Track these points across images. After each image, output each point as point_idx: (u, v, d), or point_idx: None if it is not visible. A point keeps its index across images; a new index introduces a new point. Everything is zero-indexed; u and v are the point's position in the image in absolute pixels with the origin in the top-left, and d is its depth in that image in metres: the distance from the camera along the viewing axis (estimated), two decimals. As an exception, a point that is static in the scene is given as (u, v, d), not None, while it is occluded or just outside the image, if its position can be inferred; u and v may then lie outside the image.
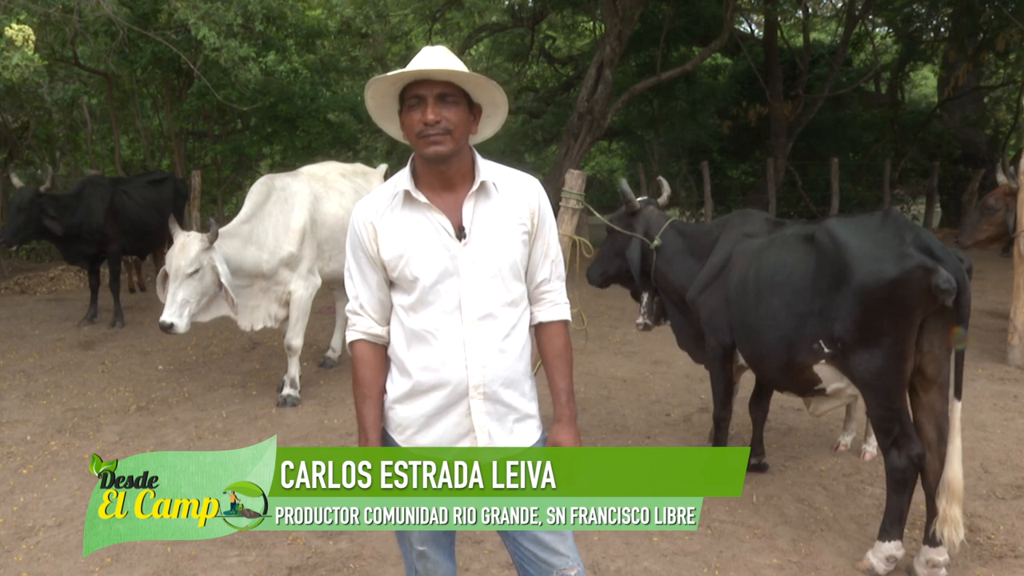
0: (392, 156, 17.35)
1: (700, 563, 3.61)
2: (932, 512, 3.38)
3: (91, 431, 5.39)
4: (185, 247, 5.27)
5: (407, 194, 2.17)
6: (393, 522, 2.21)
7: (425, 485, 2.17)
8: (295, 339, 5.96)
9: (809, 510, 4.14)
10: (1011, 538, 3.80)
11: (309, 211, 5.99)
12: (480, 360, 2.16)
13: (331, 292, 7.24)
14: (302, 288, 5.95)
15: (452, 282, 2.14)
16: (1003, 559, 3.62)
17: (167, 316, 5.22)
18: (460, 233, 2.15)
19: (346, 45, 15.81)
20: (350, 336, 2.26)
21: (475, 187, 2.18)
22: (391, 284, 2.22)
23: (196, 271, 5.27)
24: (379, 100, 2.20)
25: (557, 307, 2.32)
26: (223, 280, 5.34)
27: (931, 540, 3.37)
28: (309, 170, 6.55)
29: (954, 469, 3.28)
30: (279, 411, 5.80)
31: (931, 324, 3.34)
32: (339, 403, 5.97)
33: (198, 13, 8.47)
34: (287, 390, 5.98)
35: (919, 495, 3.48)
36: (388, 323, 2.25)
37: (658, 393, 6.15)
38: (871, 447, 4.75)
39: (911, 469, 3.38)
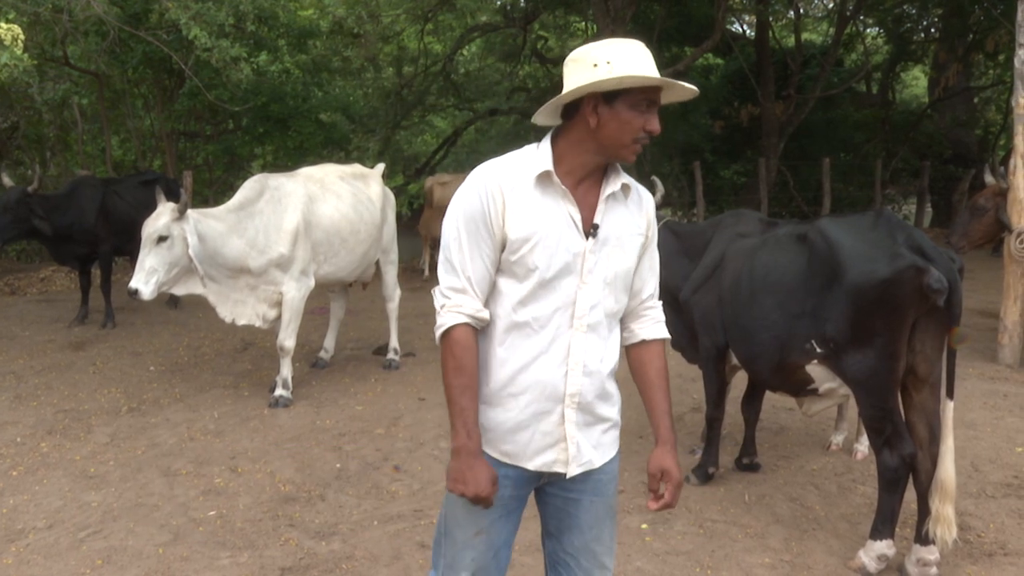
0: (384, 156, 17.35)
1: (692, 562, 3.61)
2: (924, 511, 3.39)
3: (82, 432, 5.37)
4: (157, 215, 5.32)
5: (544, 176, 2.00)
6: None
7: (498, 501, 2.07)
8: (287, 340, 5.94)
9: (801, 509, 4.15)
10: (1001, 536, 3.81)
11: (303, 212, 5.97)
12: (581, 368, 2.04)
13: (325, 293, 7.23)
14: (294, 289, 5.94)
15: (571, 281, 2.01)
16: (993, 557, 3.64)
17: (134, 282, 5.24)
18: (593, 231, 2.02)
19: (338, 45, 15.77)
20: (451, 319, 2.00)
21: (614, 189, 2.06)
22: (498, 268, 2.03)
23: (164, 239, 5.27)
24: (611, 85, 1.95)
25: (659, 325, 2.23)
26: (191, 252, 5.34)
27: (922, 539, 3.39)
28: (306, 172, 6.53)
29: (946, 468, 3.29)
30: (271, 412, 5.78)
31: (923, 324, 3.36)
32: (331, 404, 5.96)
33: (189, 13, 8.44)
34: (279, 391, 5.96)
35: (910, 494, 3.49)
36: (486, 307, 2.05)
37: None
38: (863, 446, 4.77)
39: (903, 468, 3.39)
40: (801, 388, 3.85)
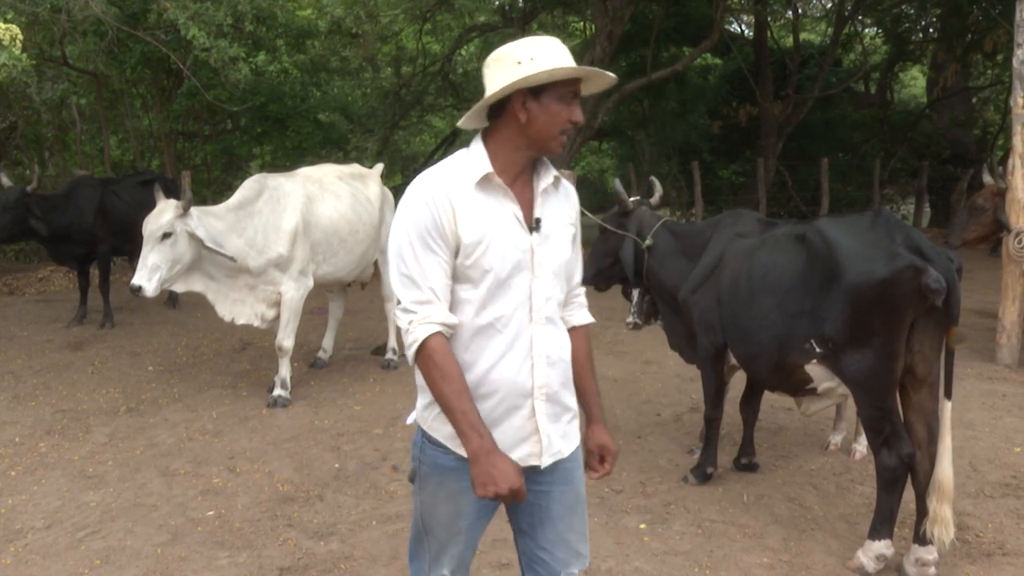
0: (383, 156, 17.34)
1: (691, 562, 3.61)
2: (922, 511, 3.40)
3: (80, 432, 5.36)
4: (160, 212, 5.31)
5: (486, 178, 2.03)
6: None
7: (476, 505, 2.12)
8: (286, 340, 5.94)
9: (799, 509, 4.15)
10: (999, 536, 3.82)
11: (302, 212, 5.97)
12: (545, 359, 2.09)
13: (323, 293, 7.22)
14: (293, 289, 5.93)
15: (524, 277, 2.06)
16: (991, 557, 3.64)
17: (136, 279, 5.23)
18: (536, 226, 2.08)
19: (336, 45, 15.77)
20: (423, 331, 1.98)
21: (548, 182, 2.12)
22: (453, 276, 2.05)
23: (167, 235, 5.27)
24: (539, 79, 1.98)
25: (585, 310, 2.32)
26: (207, 242, 5.36)
27: (921, 539, 3.39)
28: (305, 172, 6.53)
29: (944, 469, 3.29)
30: (270, 412, 5.78)
31: (921, 324, 3.36)
32: (329, 404, 5.96)
33: (188, 13, 8.44)
34: (278, 391, 5.96)
35: (909, 494, 3.49)
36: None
37: (649, 393, 6.16)
38: (861, 446, 4.77)
39: (901, 468, 3.40)
40: (800, 388, 3.86)
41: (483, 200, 2.03)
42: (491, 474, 1.93)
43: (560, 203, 2.17)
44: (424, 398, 2.14)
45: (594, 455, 2.22)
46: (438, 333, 2.00)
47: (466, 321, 2.05)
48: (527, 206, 2.09)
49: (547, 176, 2.13)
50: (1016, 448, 4.89)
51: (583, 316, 2.31)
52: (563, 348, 2.15)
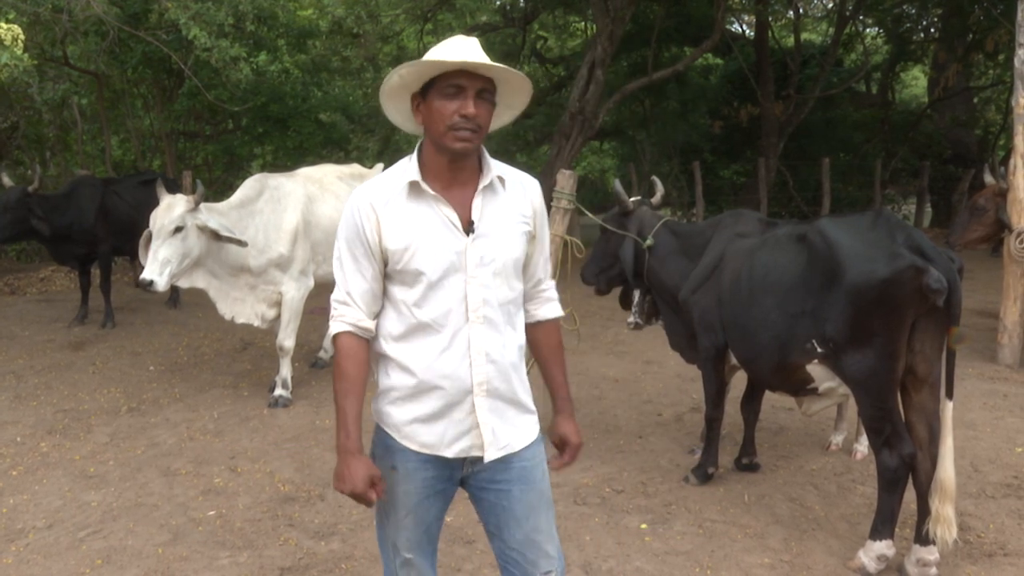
0: (384, 156, 17.35)
1: (692, 562, 3.61)
2: (923, 511, 3.39)
3: (82, 432, 5.37)
4: (170, 206, 5.30)
5: (414, 185, 2.09)
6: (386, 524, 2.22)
7: (422, 483, 2.18)
8: (287, 340, 5.95)
9: (800, 509, 4.15)
10: (1001, 536, 3.82)
11: (302, 212, 5.98)
12: (484, 357, 2.11)
13: (324, 293, 7.21)
14: (294, 289, 5.94)
15: (458, 278, 2.08)
16: (992, 557, 3.64)
17: (147, 273, 5.22)
18: (468, 228, 2.09)
19: (337, 45, 15.78)
20: (335, 327, 2.16)
21: (486, 182, 2.13)
22: (388, 277, 2.14)
23: (179, 230, 5.27)
24: (407, 80, 2.08)
25: (553, 303, 2.34)
26: (222, 231, 5.37)
27: (922, 539, 3.39)
28: (305, 172, 6.54)
29: (946, 469, 3.29)
30: (271, 412, 5.78)
31: (922, 324, 3.35)
32: (331, 404, 5.92)
33: (189, 13, 8.44)
34: (279, 391, 5.96)
35: (910, 494, 3.49)
36: (375, 318, 2.17)
37: (650, 393, 6.15)
38: (862, 446, 4.77)
39: (902, 468, 3.39)
40: (800, 388, 3.85)
41: (412, 207, 2.09)
42: (343, 472, 2.09)
43: (506, 202, 2.16)
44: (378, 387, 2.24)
45: (556, 445, 2.28)
46: (348, 332, 2.15)
47: (404, 319, 2.13)
48: (465, 208, 2.11)
49: (488, 175, 2.13)
50: (1018, 448, 4.89)
51: (549, 310, 2.33)
52: (507, 346, 2.15)
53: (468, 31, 17.92)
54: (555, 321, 2.34)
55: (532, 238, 2.22)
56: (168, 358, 7.32)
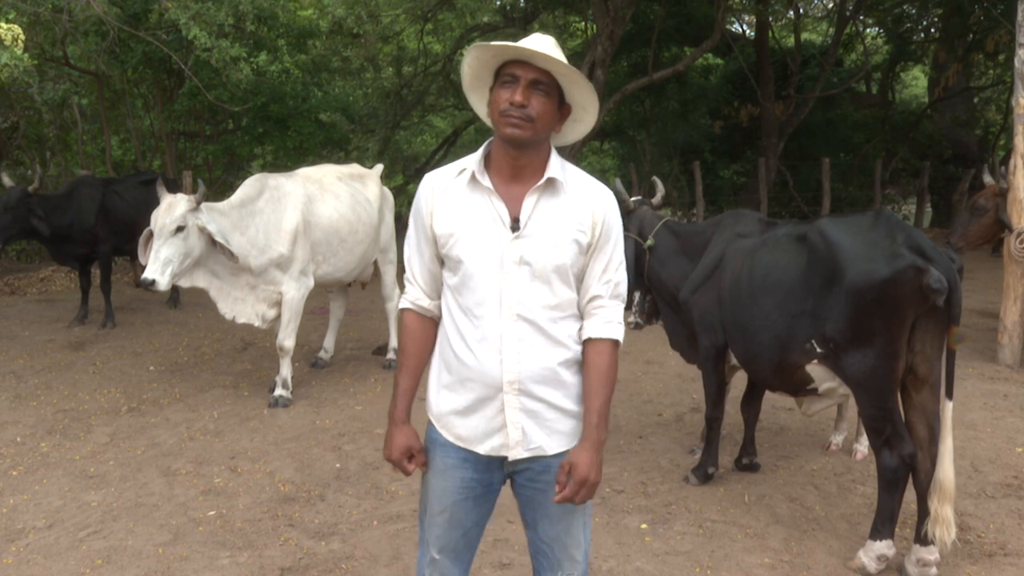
0: (384, 156, 17.35)
1: (692, 562, 3.61)
2: (923, 511, 3.40)
3: (82, 432, 5.37)
4: (171, 206, 5.29)
5: (473, 176, 2.13)
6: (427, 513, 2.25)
7: (460, 483, 2.20)
8: (287, 340, 5.95)
9: (801, 509, 4.15)
10: (1001, 536, 3.82)
11: (302, 212, 5.98)
12: (515, 356, 2.09)
13: (324, 293, 7.22)
14: (294, 289, 5.94)
15: (495, 272, 2.09)
16: (993, 557, 3.64)
17: (149, 273, 5.21)
18: (515, 225, 2.09)
19: (337, 45, 15.77)
20: (401, 303, 2.27)
21: (542, 181, 2.11)
22: (442, 262, 2.19)
23: (180, 229, 5.27)
24: (476, 69, 2.15)
25: (609, 325, 2.17)
26: (217, 237, 5.35)
27: (922, 539, 3.39)
28: (305, 172, 6.54)
29: (946, 469, 3.29)
30: (271, 412, 5.78)
31: (922, 324, 3.36)
32: (331, 404, 5.96)
33: (189, 13, 8.43)
34: (279, 391, 5.96)
35: (910, 494, 3.49)
36: (437, 298, 2.23)
37: (650, 393, 6.15)
38: (862, 446, 4.77)
39: (903, 469, 3.40)
40: (801, 388, 3.85)
41: (466, 196, 2.14)
42: (386, 439, 2.22)
43: (563, 206, 2.12)
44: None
45: (563, 471, 2.08)
46: (409, 309, 2.26)
47: (451, 304, 2.18)
48: (517, 205, 2.11)
49: (544, 177, 2.11)
50: (1018, 448, 4.89)
51: (600, 329, 2.16)
52: (546, 351, 2.11)
53: (468, 31, 17.95)
54: (607, 342, 2.16)
55: (587, 249, 2.14)
56: (168, 358, 7.32)
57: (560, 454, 2.17)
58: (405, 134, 21.65)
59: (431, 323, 2.24)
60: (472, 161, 2.15)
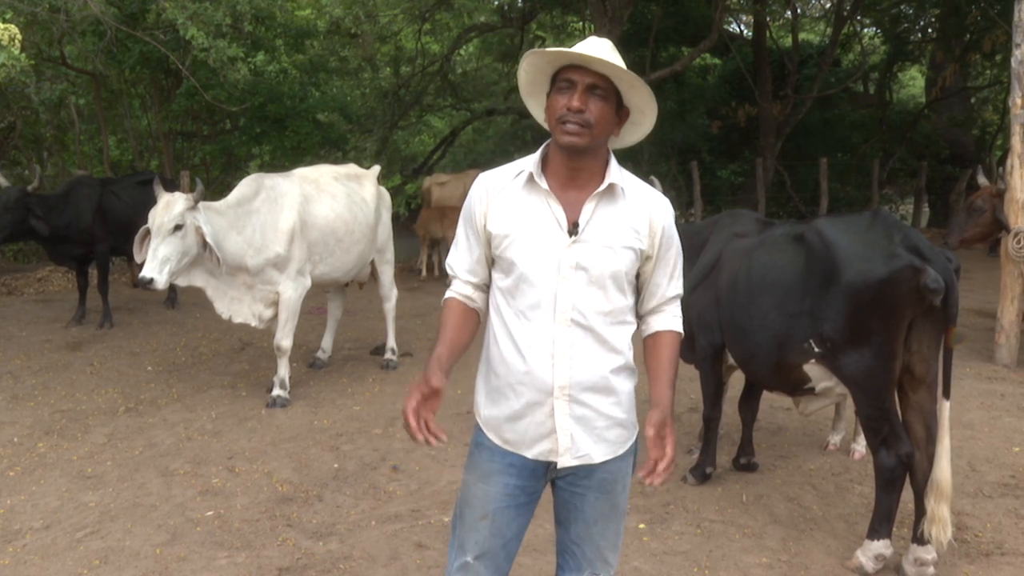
0: (382, 156, 17.34)
1: (690, 562, 3.61)
2: (920, 511, 3.40)
3: (79, 433, 5.36)
4: (169, 204, 5.28)
5: (530, 177, 2.11)
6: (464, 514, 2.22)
7: (504, 490, 2.17)
8: (284, 340, 5.94)
9: (798, 509, 4.15)
10: (998, 536, 3.82)
11: (299, 212, 5.97)
12: (567, 361, 2.09)
13: (322, 293, 7.21)
14: (291, 289, 5.93)
15: (550, 277, 2.07)
16: (990, 556, 3.64)
17: (147, 271, 5.20)
18: (573, 230, 2.07)
19: (335, 45, 15.76)
20: (447, 295, 2.26)
21: (603, 187, 2.09)
22: (493, 264, 2.18)
23: (178, 228, 5.26)
24: (532, 75, 2.14)
25: (676, 319, 2.26)
26: (209, 239, 5.34)
27: (919, 539, 3.39)
28: (301, 172, 6.53)
29: (943, 468, 3.29)
30: (269, 412, 5.78)
31: (920, 324, 3.36)
32: (329, 404, 5.96)
33: (186, 13, 8.43)
34: (277, 391, 5.96)
35: (907, 494, 3.50)
36: (483, 292, 2.24)
37: (648, 393, 6.14)
38: (860, 446, 4.77)
39: (900, 468, 3.40)
40: (798, 387, 3.86)
41: (523, 198, 2.12)
42: (408, 393, 2.06)
43: (622, 212, 2.11)
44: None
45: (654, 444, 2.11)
46: (453, 297, 2.24)
47: (501, 306, 2.16)
48: (576, 210, 2.09)
49: (604, 183, 2.10)
50: (1015, 448, 4.90)
51: (667, 323, 2.25)
52: (600, 358, 2.12)
53: (465, 31, 17.96)
54: (672, 334, 2.25)
55: (646, 258, 2.16)
56: (166, 358, 7.32)
57: (606, 463, 2.19)
58: (403, 134, 21.64)
59: (474, 313, 2.24)
60: (530, 163, 2.13)
